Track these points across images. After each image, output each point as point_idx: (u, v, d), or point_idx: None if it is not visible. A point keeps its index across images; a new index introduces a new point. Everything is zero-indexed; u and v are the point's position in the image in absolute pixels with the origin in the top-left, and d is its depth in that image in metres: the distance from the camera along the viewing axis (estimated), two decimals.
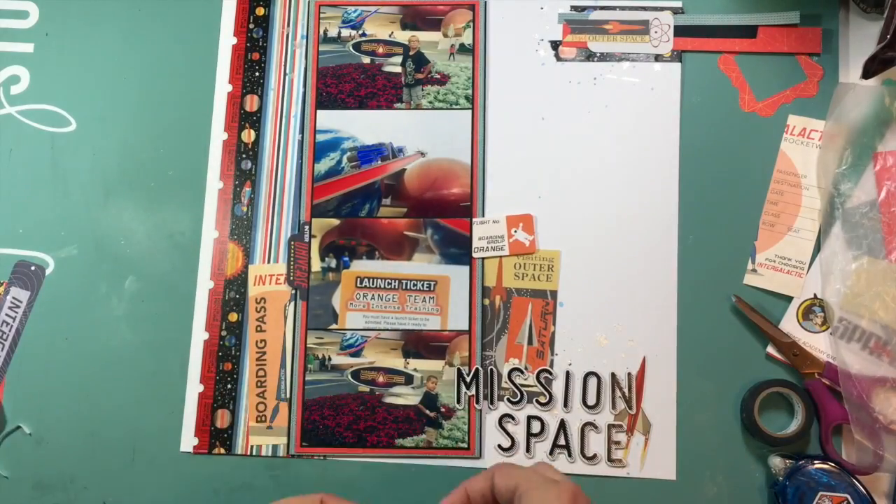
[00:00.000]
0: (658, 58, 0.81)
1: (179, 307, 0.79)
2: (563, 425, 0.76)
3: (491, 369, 0.77)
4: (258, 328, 0.78)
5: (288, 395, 0.77)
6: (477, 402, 0.77)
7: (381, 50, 0.82)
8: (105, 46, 0.84)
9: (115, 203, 0.81)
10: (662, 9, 0.81)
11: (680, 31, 0.81)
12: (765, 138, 0.79)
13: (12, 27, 0.85)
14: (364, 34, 0.82)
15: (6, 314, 0.79)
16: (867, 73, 0.72)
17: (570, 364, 0.77)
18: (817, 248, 0.77)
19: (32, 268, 0.80)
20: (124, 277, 0.80)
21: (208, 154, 0.81)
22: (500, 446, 0.76)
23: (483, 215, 0.79)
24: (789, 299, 0.76)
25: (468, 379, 0.77)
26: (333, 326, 0.78)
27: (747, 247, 0.77)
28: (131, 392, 0.78)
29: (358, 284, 0.79)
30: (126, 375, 0.78)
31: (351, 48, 0.82)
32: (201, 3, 0.84)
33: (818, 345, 0.75)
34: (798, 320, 0.76)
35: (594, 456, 0.75)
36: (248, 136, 0.81)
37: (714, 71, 0.80)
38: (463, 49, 0.82)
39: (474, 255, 0.78)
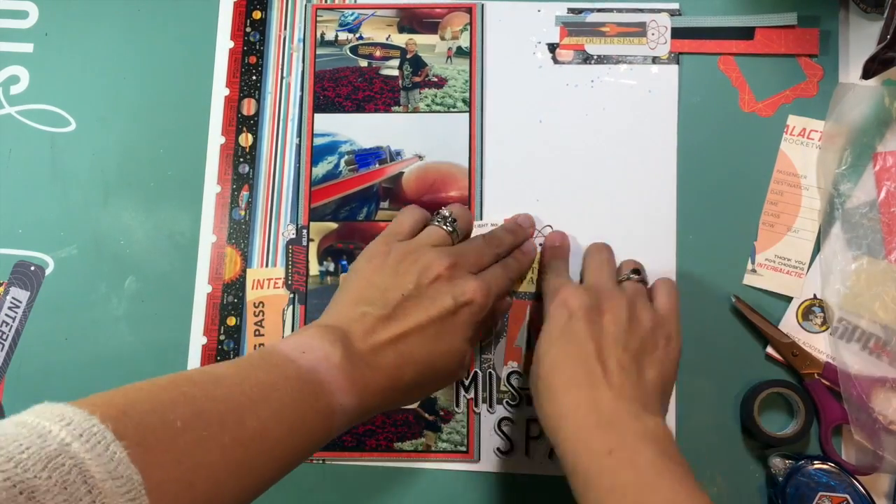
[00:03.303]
0: (655, 60, 0.80)
1: (180, 307, 0.79)
2: None
3: (490, 372, 0.77)
4: (256, 332, 0.78)
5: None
6: (476, 405, 0.76)
7: (378, 53, 0.82)
8: (105, 46, 0.84)
9: (115, 203, 0.81)
10: (659, 10, 0.81)
11: (677, 33, 0.81)
12: (764, 138, 0.79)
13: (12, 27, 0.85)
14: (361, 37, 0.82)
15: (6, 314, 0.79)
16: (867, 73, 0.71)
17: None
18: (817, 249, 0.76)
19: (32, 268, 0.80)
20: (124, 277, 0.80)
21: (206, 158, 0.81)
22: (498, 449, 0.76)
23: (481, 218, 0.79)
24: (789, 299, 0.76)
25: (466, 382, 0.77)
26: None
27: (747, 247, 0.77)
28: None
29: None
30: (126, 376, 0.77)
31: (348, 51, 0.82)
32: (199, 6, 0.84)
33: (818, 345, 0.75)
34: (798, 320, 0.76)
35: None
36: (246, 139, 0.81)
37: (714, 71, 0.80)
38: (460, 52, 0.82)
39: None
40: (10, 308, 0.79)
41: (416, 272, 0.66)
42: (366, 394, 0.60)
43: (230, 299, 0.79)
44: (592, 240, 0.77)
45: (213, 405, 0.51)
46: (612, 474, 0.55)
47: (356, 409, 0.60)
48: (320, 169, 0.80)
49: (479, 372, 0.77)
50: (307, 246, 0.79)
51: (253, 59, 0.82)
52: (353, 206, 0.80)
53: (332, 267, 0.79)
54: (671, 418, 0.75)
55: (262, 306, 0.79)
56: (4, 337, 0.79)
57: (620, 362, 0.62)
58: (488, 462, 0.76)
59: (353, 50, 0.82)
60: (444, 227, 0.71)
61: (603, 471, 0.56)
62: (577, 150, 0.79)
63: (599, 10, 0.82)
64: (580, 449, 0.58)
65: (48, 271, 0.80)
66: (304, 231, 0.79)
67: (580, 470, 0.57)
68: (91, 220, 0.81)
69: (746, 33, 0.80)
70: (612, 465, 0.56)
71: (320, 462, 0.76)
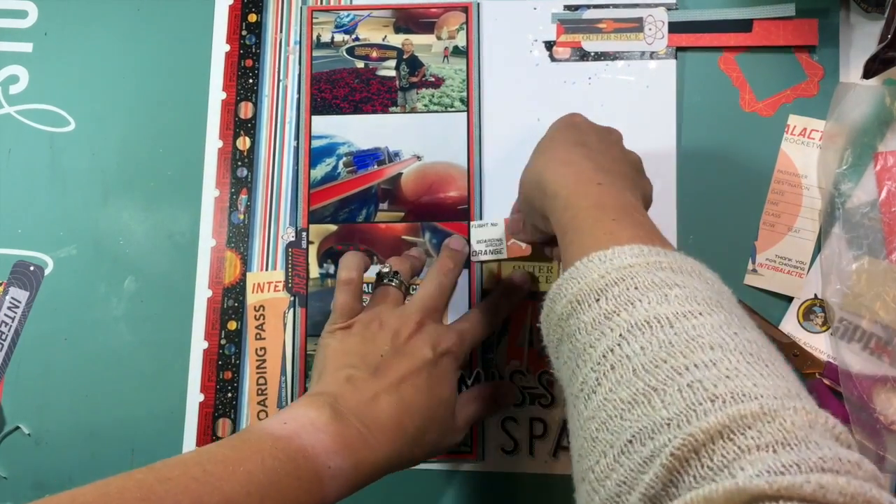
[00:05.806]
0: (653, 55, 0.80)
1: (179, 308, 0.79)
2: (565, 426, 0.76)
3: (492, 372, 0.77)
4: (258, 336, 0.78)
5: (290, 402, 0.77)
6: None
7: (374, 54, 0.81)
8: (104, 46, 0.84)
9: (115, 203, 0.81)
10: (656, 5, 0.80)
11: (674, 28, 0.80)
12: (765, 138, 0.78)
13: (11, 27, 0.84)
14: (357, 39, 0.82)
15: (5, 314, 0.79)
16: (868, 73, 0.71)
17: None
18: (817, 249, 0.76)
19: (31, 268, 0.80)
20: (123, 277, 0.80)
21: (204, 162, 0.81)
22: (503, 448, 0.76)
23: (481, 218, 0.79)
24: (790, 299, 0.76)
25: (469, 382, 0.77)
26: None
27: (747, 247, 0.77)
28: (131, 393, 0.79)
29: None
30: (126, 376, 0.79)
31: (344, 53, 0.81)
32: (195, 8, 0.83)
33: (818, 345, 0.75)
34: (798, 320, 0.76)
35: None
36: (244, 143, 0.80)
37: (714, 71, 0.79)
38: (457, 51, 0.81)
39: (473, 258, 0.78)
40: (9, 308, 0.79)
41: (388, 335, 0.65)
42: (363, 451, 0.59)
43: (230, 303, 0.79)
44: None
45: (166, 486, 0.50)
46: (596, 196, 0.56)
47: (352, 468, 0.58)
48: (319, 171, 0.80)
49: (481, 372, 0.77)
50: (307, 248, 0.79)
51: (249, 63, 0.82)
52: (353, 208, 0.80)
53: (332, 269, 0.79)
54: None
55: (263, 310, 0.79)
56: (4, 337, 0.79)
57: (618, 163, 0.64)
58: (492, 461, 0.77)
59: (350, 51, 0.81)
60: (392, 284, 0.70)
61: (589, 194, 0.57)
62: None
63: (596, 7, 0.81)
64: (571, 179, 0.59)
65: (48, 271, 0.80)
66: (304, 234, 0.79)
67: (564, 194, 0.58)
68: (91, 220, 0.81)
69: (744, 26, 0.80)
70: (598, 191, 0.57)
71: None
